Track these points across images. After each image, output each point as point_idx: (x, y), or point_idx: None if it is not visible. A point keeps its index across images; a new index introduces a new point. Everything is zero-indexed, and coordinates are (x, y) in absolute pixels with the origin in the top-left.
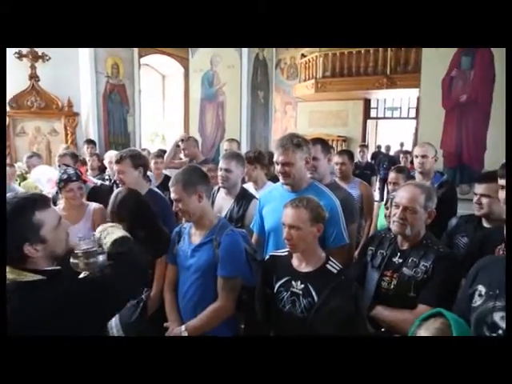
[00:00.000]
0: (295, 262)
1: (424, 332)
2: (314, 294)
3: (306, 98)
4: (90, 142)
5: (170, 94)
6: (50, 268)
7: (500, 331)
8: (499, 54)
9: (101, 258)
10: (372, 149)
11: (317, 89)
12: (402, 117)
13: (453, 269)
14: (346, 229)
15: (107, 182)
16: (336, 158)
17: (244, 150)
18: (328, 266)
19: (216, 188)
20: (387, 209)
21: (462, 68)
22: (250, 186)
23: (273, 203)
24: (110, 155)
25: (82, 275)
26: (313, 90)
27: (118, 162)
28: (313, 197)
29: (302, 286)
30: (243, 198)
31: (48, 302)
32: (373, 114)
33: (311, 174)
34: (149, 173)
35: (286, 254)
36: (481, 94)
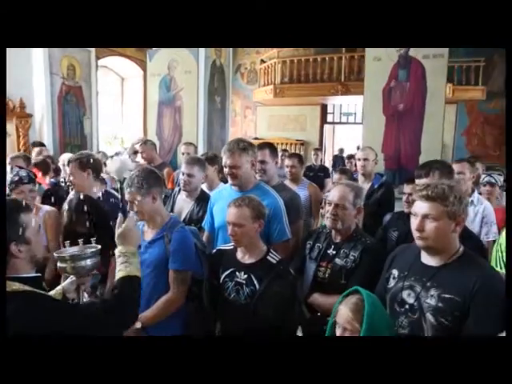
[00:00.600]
0: (239, 254)
1: (343, 306)
2: (255, 282)
3: (265, 103)
4: (38, 144)
5: (129, 97)
6: (30, 275)
7: (407, 306)
8: (430, 68)
9: (89, 261)
10: (329, 152)
11: (275, 94)
12: (356, 122)
13: (377, 257)
14: (293, 225)
15: (63, 185)
16: (287, 161)
17: (201, 153)
18: (268, 257)
19: (177, 189)
20: (322, 208)
21: (400, 80)
22: (203, 187)
23: (221, 202)
24: (64, 158)
25: (68, 280)
26: (272, 95)
27: (68, 164)
28: (254, 196)
29: (246, 276)
30: (203, 200)
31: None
32: (329, 118)
33: (260, 176)
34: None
35: (232, 247)
36: (415, 104)
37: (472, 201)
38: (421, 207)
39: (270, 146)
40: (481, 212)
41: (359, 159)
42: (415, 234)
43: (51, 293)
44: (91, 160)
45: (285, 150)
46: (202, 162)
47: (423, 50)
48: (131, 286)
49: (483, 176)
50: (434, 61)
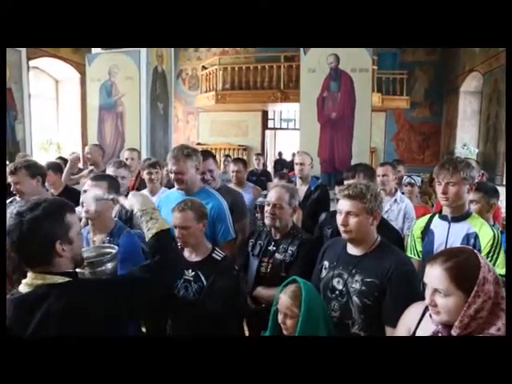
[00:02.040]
0: (186, 253)
1: (283, 294)
2: (203, 278)
3: (207, 109)
4: None
5: (65, 101)
6: (70, 270)
7: (337, 292)
8: (357, 80)
9: (109, 265)
10: (271, 157)
11: (217, 100)
12: (296, 128)
13: (312, 251)
14: (239, 223)
15: None
16: (232, 167)
17: (144, 159)
18: (213, 254)
19: None
20: (257, 212)
21: (332, 90)
22: (145, 192)
23: (169, 206)
24: None
25: None
26: (213, 101)
27: (12, 173)
28: (194, 198)
29: (193, 273)
30: None
31: (83, 300)
32: (270, 124)
33: (210, 183)
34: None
35: (179, 247)
36: (346, 112)
37: (396, 199)
38: (344, 205)
39: (212, 155)
40: (403, 209)
41: (296, 163)
42: (340, 229)
43: None
44: (40, 167)
45: (227, 156)
46: (127, 164)
47: (351, 64)
48: (168, 238)
49: (405, 177)
50: (360, 74)
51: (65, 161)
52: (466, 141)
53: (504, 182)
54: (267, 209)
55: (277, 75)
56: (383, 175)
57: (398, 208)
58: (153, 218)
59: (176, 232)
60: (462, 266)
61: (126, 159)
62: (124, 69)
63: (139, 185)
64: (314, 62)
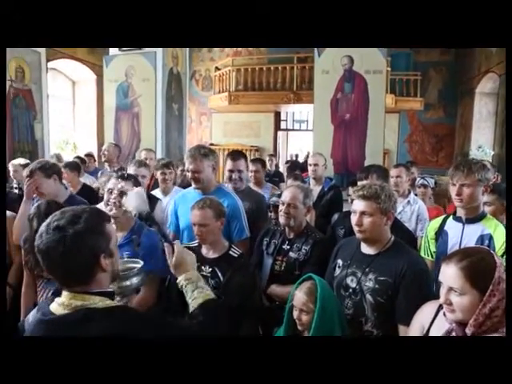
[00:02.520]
0: (204, 250)
1: (299, 291)
2: (219, 274)
3: (220, 110)
4: None
5: (81, 101)
6: (110, 290)
7: (350, 290)
8: (371, 82)
9: (135, 280)
10: (283, 158)
11: (230, 101)
12: (308, 129)
13: (325, 250)
14: (262, 223)
15: (16, 191)
16: (250, 167)
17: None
18: (230, 252)
19: None
20: (270, 212)
21: (345, 92)
22: (156, 192)
23: (186, 205)
24: (14, 163)
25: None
26: (226, 102)
27: (29, 176)
28: (213, 197)
29: (210, 269)
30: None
31: (122, 331)
32: (283, 125)
33: (236, 183)
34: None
35: (196, 244)
36: (359, 114)
37: (409, 201)
38: (358, 205)
39: (244, 156)
40: (416, 210)
41: (310, 164)
42: (355, 228)
43: None
44: (54, 166)
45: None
46: (147, 164)
47: (365, 66)
48: (214, 310)
49: (418, 179)
50: (374, 76)
51: (82, 160)
52: (481, 143)
53: None
54: (282, 208)
55: (290, 76)
56: (397, 177)
57: (411, 209)
58: (198, 287)
59: (195, 229)
60: (478, 265)
61: (145, 159)
62: (140, 70)
63: (153, 185)
64: (328, 64)
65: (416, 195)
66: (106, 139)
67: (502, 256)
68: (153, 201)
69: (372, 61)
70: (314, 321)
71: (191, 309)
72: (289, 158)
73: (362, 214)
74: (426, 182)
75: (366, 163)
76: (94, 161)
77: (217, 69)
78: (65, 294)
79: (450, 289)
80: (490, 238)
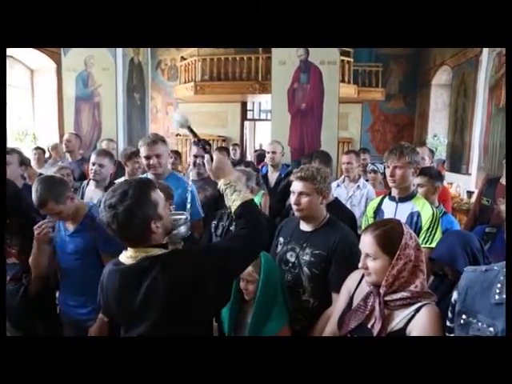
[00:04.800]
0: None
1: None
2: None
3: (186, 100)
4: None
5: (41, 91)
6: (165, 240)
7: (290, 264)
8: (326, 72)
9: (182, 228)
10: (251, 148)
11: (196, 91)
12: None
13: (270, 229)
14: (216, 210)
15: None
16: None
17: (121, 149)
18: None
19: (85, 182)
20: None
21: (301, 82)
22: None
23: None
24: None
25: None
26: (192, 92)
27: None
28: (161, 181)
29: None
30: None
31: (186, 268)
32: (249, 115)
33: (199, 169)
34: None
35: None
36: (315, 103)
37: (359, 185)
38: (296, 186)
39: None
40: (365, 194)
41: (268, 152)
42: (294, 207)
43: None
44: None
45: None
46: (112, 154)
47: (320, 57)
48: (253, 208)
49: (369, 165)
50: (328, 66)
51: (43, 151)
52: (438, 132)
53: (470, 171)
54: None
55: (255, 67)
56: (347, 163)
57: (360, 193)
58: (236, 190)
59: None
60: (388, 233)
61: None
62: (100, 60)
63: (116, 174)
64: (285, 55)
65: (367, 180)
66: (66, 130)
67: (427, 230)
68: None
69: (326, 52)
70: (259, 289)
71: (233, 210)
72: (257, 148)
73: (300, 194)
74: (375, 168)
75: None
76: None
77: (182, 58)
78: (130, 249)
79: (367, 255)
80: (418, 214)
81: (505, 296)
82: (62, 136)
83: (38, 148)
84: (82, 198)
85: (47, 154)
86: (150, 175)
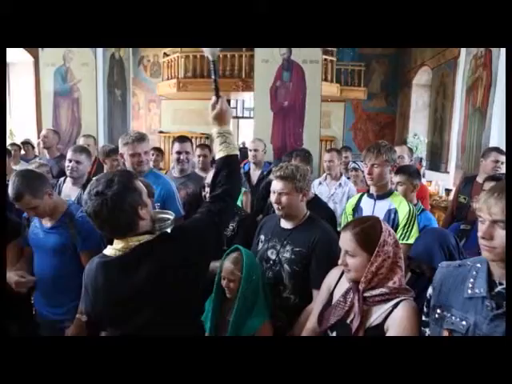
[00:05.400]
0: None
1: (226, 261)
2: None
3: (169, 97)
4: None
5: (18, 85)
6: (151, 227)
7: (271, 261)
8: (308, 71)
9: (169, 230)
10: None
11: (179, 88)
12: None
13: (250, 226)
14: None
15: None
16: (198, 151)
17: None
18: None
19: (62, 179)
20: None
21: (284, 80)
22: None
23: None
24: None
25: None
26: (175, 88)
27: None
28: (141, 179)
29: None
30: None
31: (183, 247)
32: (233, 113)
33: (183, 165)
34: None
35: None
36: (297, 102)
37: (340, 183)
38: (276, 185)
39: (190, 140)
40: (347, 192)
41: (250, 150)
42: (275, 206)
43: None
44: None
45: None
46: (89, 150)
47: (302, 56)
48: (235, 163)
49: (350, 163)
50: (311, 65)
51: (18, 147)
52: (418, 131)
53: (448, 170)
54: (207, 190)
55: (238, 64)
56: (329, 161)
57: (342, 191)
58: (226, 142)
59: None
60: (367, 230)
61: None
62: (79, 55)
63: (96, 171)
64: (267, 53)
65: (348, 178)
66: (44, 126)
67: (404, 226)
68: None
69: (309, 51)
70: (241, 287)
71: (215, 158)
72: (241, 145)
73: (280, 193)
74: (357, 166)
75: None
76: (33, 148)
77: (165, 55)
78: (118, 241)
79: (346, 252)
80: (396, 211)
81: (477, 290)
82: (39, 132)
83: (13, 144)
84: (59, 195)
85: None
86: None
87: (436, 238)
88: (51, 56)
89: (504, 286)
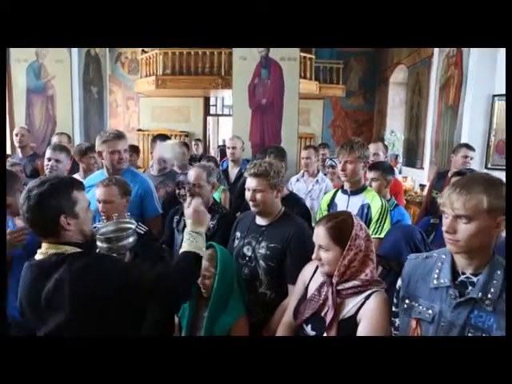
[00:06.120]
0: None
1: (203, 258)
2: (127, 252)
3: (147, 94)
4: None
5: None
6: (85, 242)
7: (247, 258)
8: (286, 69)
9: (131, 239)
10: (214, 143)
11: (157, 85)
12: None
13: (230, 223)
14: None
15: None
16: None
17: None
18: (136, 229)
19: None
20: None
21: (262, 78)
22: (78, 177)
23: (95, 188)
24: None
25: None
26: (154, 86)
27: None
28: (118, 176)
29: None
30: None
31: (90, 272)
32: (212, 110)
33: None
34: None
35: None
36: (275, 99)
37: (317, 180)
38: (251, 183)
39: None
40: (324, 188)
41: (229, 147)
42: (250, 203)
43: None
44: None
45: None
46: (68, 149)
47: (280, 53)
48: (190, 260)
49: (327, 160)
50: (289, 63)
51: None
52: (395, 128)
53: (423, 166)
54: (188, 188)
55: (218, 61)
56: (306, 158)
57: (319, 188)
58: (192, 239)
59: (100, 206)
60: (339, 225)
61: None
62: (53, 51)
63: (71, 170)
64: (245, 51)
65: (325, 175)
66: (16, 124)
67: (376, 221)
68: None
69: (287, 49)
70: (216, 282)
71: (180, 251)
72: (221, 143)
73: (255, 190)
74: (333, 163)
75: (282, 146)
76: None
77: (143, 52)
78: (43, 244)
79: (320, 246)
80: (369, 206)
81: (442, 280)
82: (12, 130)
83: None
84: None
85: None
86: (105, 172)
87: (402, 235)
88: (23, 51)
89: (466, 276)
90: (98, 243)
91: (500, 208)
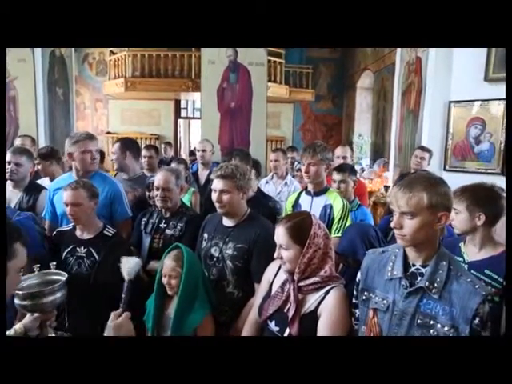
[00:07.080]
0: (78, 232)
1: (167, 259)
2: (95, 254)
3: (116, 96)
4: None
5: None
6: None
7: (214, 259)
8: (254, 73)
9: (59, 294)
10: (185, 146)
11: (126, 87)
12: None
13: (198, 226)
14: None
15: None
16: (144, 152)
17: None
18: (105, 231)
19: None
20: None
21: (231, 82)
22: (45, 181)
23: (62, 191)
24: None
25: (28, 317)
26: (123, 88)
27: None
28: (86, 179)
29: (85, 249)
30: (33, 190)
31: None
32: (183, 113)
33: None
34: None
35: (71, 227)
36: (244, 103)
37: (286, 182)
38: (217, 184)
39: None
40: (292, 190)
41: (198, 150)
42: (216, 205)
43: (10, 333)
44: None
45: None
46: (31, 152)
47: (249, 58)
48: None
49: (296, 163)
50: (257, 67)
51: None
52: (362, 132)
53: (389, 168)
54: (157, 193)
55: (188, 64)
56: (275, 160)
57: (288, 189)
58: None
59: (68, 209)
60: (298, 225)
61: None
62: (14, 50)
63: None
64: (214, 54)
65: (294, 177)
66: None
67: (338, 221)
68: (37, 190)
69: (255, 54)
70: (182, 281)
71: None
72: (192, 146)
73: (221, 191)
74: (301, 166)
75: (251, 149)
76: None
77: (112, 53)
78: None
79: (280, 245)
80: (331, 207)
81: (395, 272)
82: None
83: None
84: None
85: None
86: (74, 174)
87: (357, 233)
88: None
89: (416, 267)
90: (17, 301)
91: (440, 204)
